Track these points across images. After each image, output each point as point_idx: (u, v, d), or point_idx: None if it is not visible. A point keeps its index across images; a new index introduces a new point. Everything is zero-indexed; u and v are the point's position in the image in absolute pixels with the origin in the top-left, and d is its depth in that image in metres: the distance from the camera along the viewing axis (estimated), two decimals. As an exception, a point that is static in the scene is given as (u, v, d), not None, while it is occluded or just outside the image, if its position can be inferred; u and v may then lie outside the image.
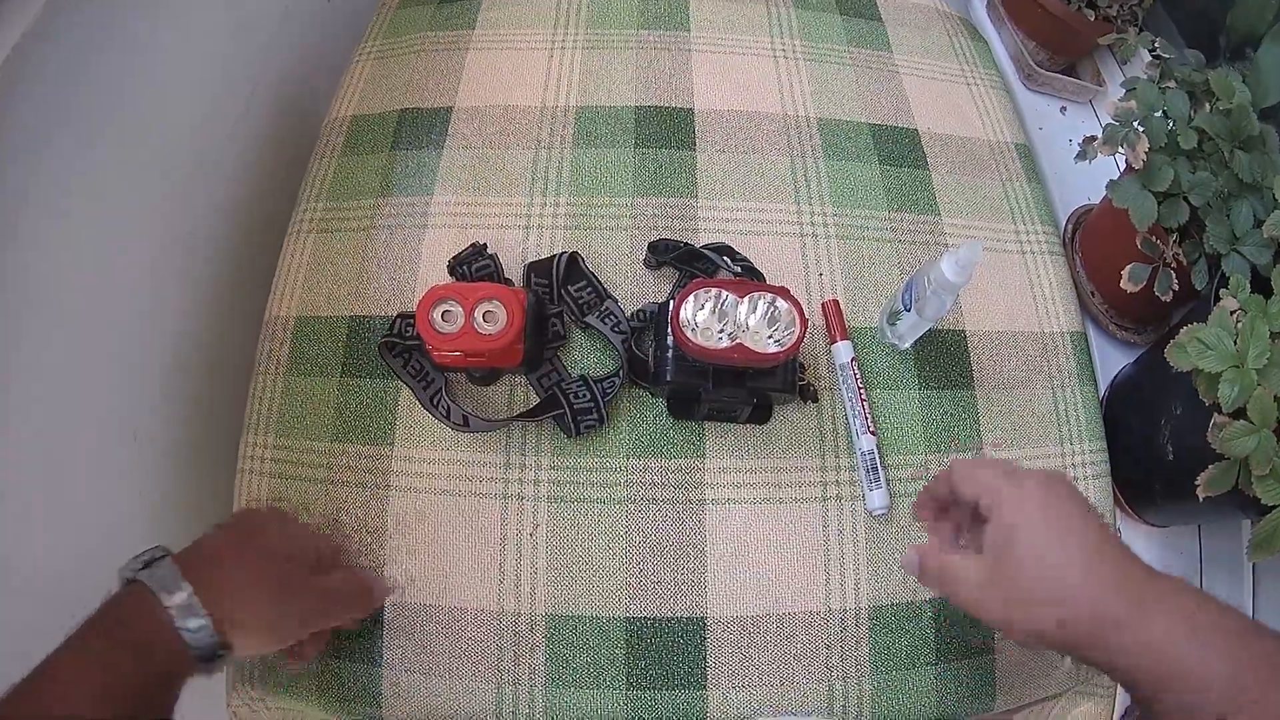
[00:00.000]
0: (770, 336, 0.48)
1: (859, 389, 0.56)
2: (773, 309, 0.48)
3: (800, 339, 0.47)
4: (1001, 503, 0.39)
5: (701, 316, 0.48)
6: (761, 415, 0.56)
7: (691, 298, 0.48)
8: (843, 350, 0.58)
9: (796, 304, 0.48)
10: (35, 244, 0.49)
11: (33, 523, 0.49)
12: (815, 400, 0.57)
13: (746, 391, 0.51)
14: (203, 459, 0.64)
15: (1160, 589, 0.36)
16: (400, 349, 0.56)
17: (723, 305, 0.48)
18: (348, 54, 0.73)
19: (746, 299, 0.48)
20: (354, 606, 0.48)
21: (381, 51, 0.71)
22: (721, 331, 0.48)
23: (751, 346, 0.47)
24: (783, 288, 0.48)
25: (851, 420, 0.56)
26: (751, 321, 0.48)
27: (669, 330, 0.48)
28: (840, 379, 0.58)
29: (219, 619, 0.39)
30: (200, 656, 0.38)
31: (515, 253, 0.60)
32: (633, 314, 0.57)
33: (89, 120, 0.53)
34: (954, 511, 0.46)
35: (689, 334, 0.47)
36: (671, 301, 0.48)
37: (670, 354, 0.50)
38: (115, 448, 0.57)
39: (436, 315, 0.50)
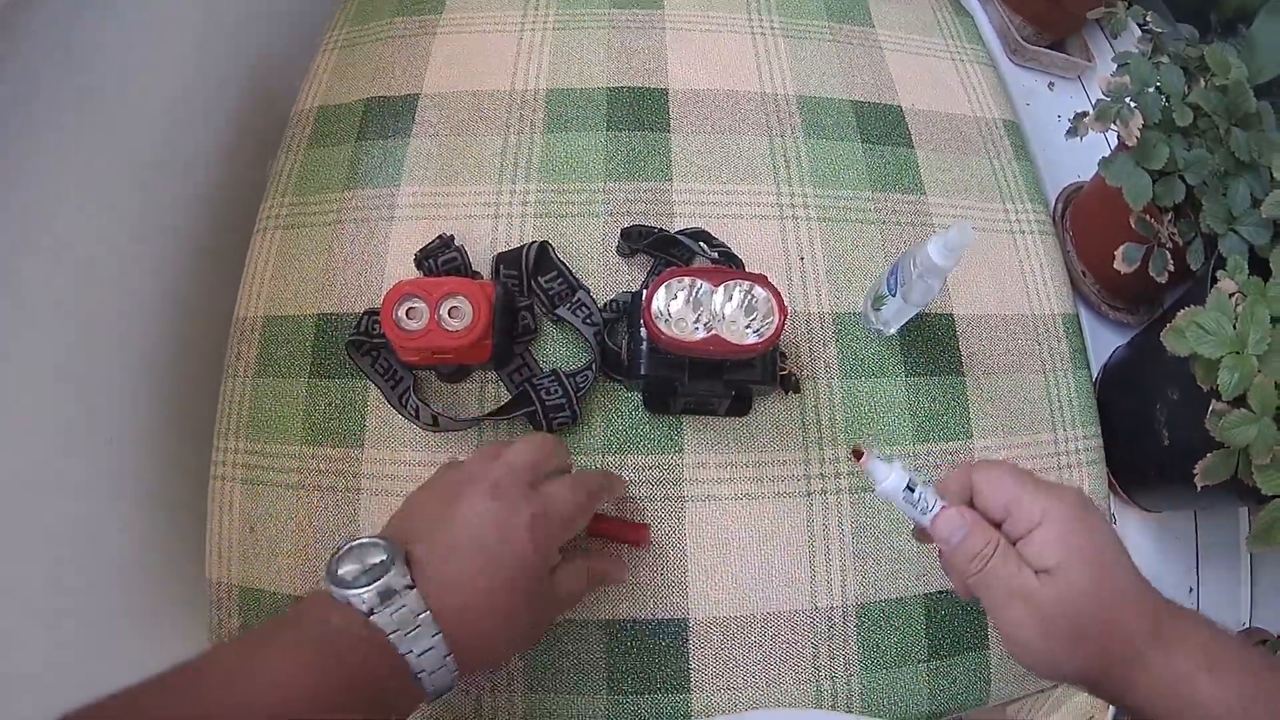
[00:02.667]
0: (748, 326, 0.43)
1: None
2: (750, 297, 0.43)
3: (780, 329, 0.42)
4: (1049, 518, 0.34)
5: (675, 307, 0.43)
6: (741, 407, 0.51)
7: (663, 288, 0.43)
8: (880, 478, 0.38)
9: (775, 292, 0.43)
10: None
11: (6, 532, 0.46)
12: (797, 391, 0.52)
13: (724, 384, 0.46)
14: (180, 463, 0.60)
15: (1182, 624, 0.33)
16: (368, 347, 0.51)
17: (697, 295, 0.43)
18: (318, 42, 0.68)
19: (722, 288, 0.43)
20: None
21: (349, 39, 0.66)
22: (697, 322, 0.43)
23: (728, 337, 0.42)
24: (761, 275, 0.44)
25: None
26: (728, 311, 0.43)
27: (642, 322, 0.44)
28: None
29: (460, 661, 0.33)
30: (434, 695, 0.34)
31: (484, 243, 0.55)
32: (605, 304, 0.52)
33: (51, 117, 0.48)
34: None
35: (662, 326, 0.42)
36: (644, 292, 0.43)
37: (644, 346, 0.46)
38: (90, 453, 0.53)
39: (401, 313, 0.47)
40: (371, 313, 0.52)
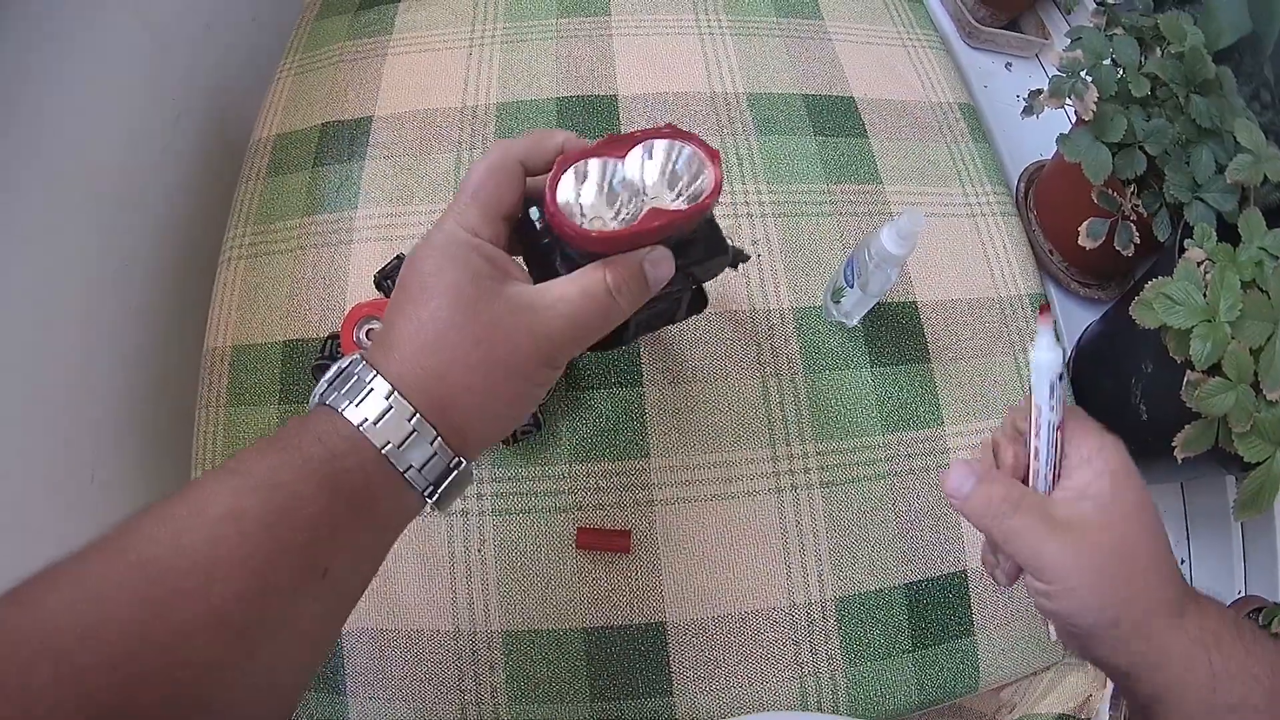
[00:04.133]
0: (680, 195, 0.31)
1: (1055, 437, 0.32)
2: (676, 157, 0.31)
3: (719, 179, 0.30)
4: (1103, 454, 0.31)
5: (588, 198, 0.30)
6: (698, 302, 0.40)
7: (569, 173, 0.30)
8: (1044, 346, 0.32)
9: (693, 138, 0.31)
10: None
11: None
12: (746, 259, 0.40)
13: (682, 274, 0.33)
14: (163, 497, 0.59)
15: (1202, 600, 0.31)
16: (333, 370, 0.50)
17: (611, 178, 0.30)
18: (273, 72, 0.66)
19: (631, 153, 0.30)
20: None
21: (302, 66, 0.64)
22: (616, 206, 0.30)
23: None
24: (669, 126, 0.31)
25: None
26: (649, 178, 0.31)
27: (555, 248, 0.31)
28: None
29: (455, 445, 0.28)
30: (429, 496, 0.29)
31: (442, 261, 0.53)
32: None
33: (9, 156, 0.47)
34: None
35: (580, 223, 0.29)
36: (532, 210, 0.31)
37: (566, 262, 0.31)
38: (75, 491, 0.52)
39: (361, 334, 0.47)
40: (334, 336, 0.50)
